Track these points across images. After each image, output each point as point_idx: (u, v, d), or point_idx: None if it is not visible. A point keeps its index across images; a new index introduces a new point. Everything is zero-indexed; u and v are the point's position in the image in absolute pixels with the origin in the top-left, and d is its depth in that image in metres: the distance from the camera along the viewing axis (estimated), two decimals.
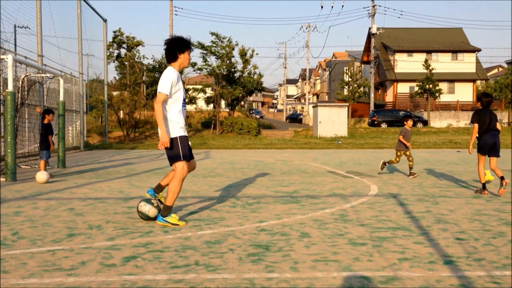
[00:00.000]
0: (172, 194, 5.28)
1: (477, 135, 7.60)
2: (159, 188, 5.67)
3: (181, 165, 5.31)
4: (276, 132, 37.55)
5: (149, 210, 5.39)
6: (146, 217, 5.43)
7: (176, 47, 5.34)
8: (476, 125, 7.55)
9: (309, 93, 79.92)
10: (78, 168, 12.85)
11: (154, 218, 5.39)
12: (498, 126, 7.61)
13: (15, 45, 20.03)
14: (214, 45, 34.56)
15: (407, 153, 10.31)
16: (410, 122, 10.53)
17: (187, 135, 5.39)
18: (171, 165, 5.39)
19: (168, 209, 5.29)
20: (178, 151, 5.28)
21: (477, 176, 8.08)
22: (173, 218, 5.28)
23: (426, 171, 11.42)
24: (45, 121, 10.54)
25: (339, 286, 3.31)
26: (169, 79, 5.20)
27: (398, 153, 10.44)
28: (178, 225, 5.24)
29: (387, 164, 10.50)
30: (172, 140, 5.26)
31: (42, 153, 10.38)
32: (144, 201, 5.46)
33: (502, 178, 7.41)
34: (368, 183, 9.16)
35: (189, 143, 5.51)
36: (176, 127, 5.29)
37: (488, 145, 7.47)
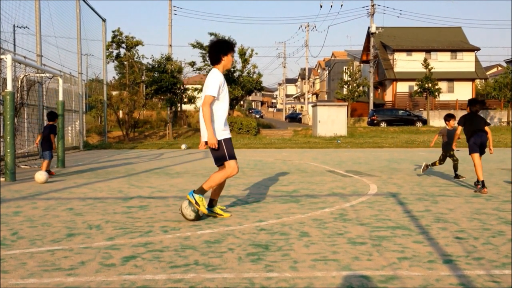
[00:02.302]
0: (211, 182, 5.38)
1: (467, 137, 8.08)
2: (212, 202, 5.72)
3: (233, 164, 5.41)
4: (276, 131, 37.56)
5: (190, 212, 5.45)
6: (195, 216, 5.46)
7: (220, 49, 5.43)
8: (460, 128, 8.15)
9: (308, 92, 79.91)
10: (77, 168, 12.84)
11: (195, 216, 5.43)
12: (487, 128, 8.04)
13: (14, 45, 20.01)
14: None
15: (451, 153, 9.70)
16: (452, 122, 9.87)
17: (230, 137, 5.51)
18: (218, 165, 5.52)
19: (202, 190, 5.36)
20: (224, 152, 5.38)
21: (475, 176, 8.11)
22: (201, 200, 5.33)
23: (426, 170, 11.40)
24: (50, 123, 10.75)
25: (338, 286, 3.31)
26: (216, 81, 5.28)
27: (443, 153, 9.85)
28: (200, 207, 5.28)
29: (430, 166, 10.04)
30: (218, 143, 5.35)
31: (46, 154, 10.51)
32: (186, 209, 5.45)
33: (481, 183, 7.81)
34: (368, 182, 9.16)
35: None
36: (220, 129, 5.39)
37: (477, 144, 7.92)
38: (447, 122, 9.99)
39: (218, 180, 5.40)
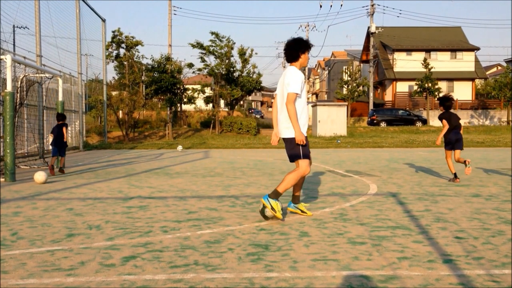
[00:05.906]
0: (286, 184, 5.33)
1: (445, 134, 8.93)
2: (296, 199, 5.73)
3: (305, 163, 5.38)
4: None
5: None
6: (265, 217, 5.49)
7: (299, 47, 5.46)
8: (445, 121, 8.87)
9: (308, 92, 79.90)
10: (77, 168, 12.84)
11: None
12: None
13: (14, 45, 20.03)
14: (213, 44, 34.51)
15: None
16: None
17: (306, 135, 5.48)
18: (291, 161, 5.51)
19: (277, 194, 5.31)
20: (299, 151, 5.37)
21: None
22: (277, 204, 5.30)
23: (426, 170, 11.42)
24: (60, 122, 11.16)
25: (338, 285, 3.31)
26: (298, 78, 5.31)
27: None
28: (275, 213, 5.27)
29: None
30: (293, 140, 5.34)
31: (62, 151, 11.00)
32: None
33: (465, 163, 8.82)
34: (368, 182, 9.16)
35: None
36: (300, 126, 5.38)
37: (452, 141, 8.91)
38: None
39: (293, 181, 5.36)
